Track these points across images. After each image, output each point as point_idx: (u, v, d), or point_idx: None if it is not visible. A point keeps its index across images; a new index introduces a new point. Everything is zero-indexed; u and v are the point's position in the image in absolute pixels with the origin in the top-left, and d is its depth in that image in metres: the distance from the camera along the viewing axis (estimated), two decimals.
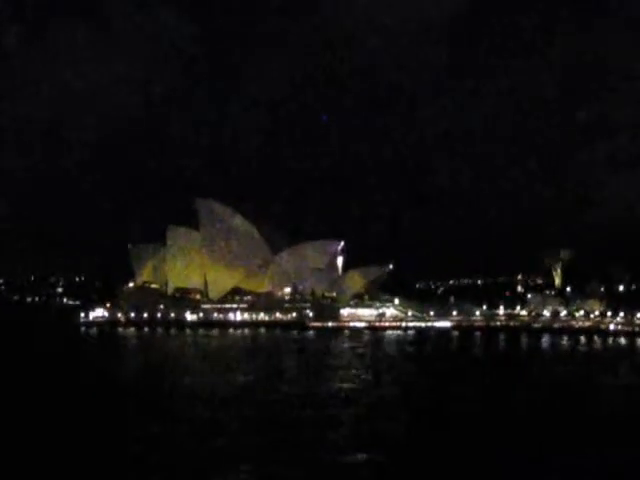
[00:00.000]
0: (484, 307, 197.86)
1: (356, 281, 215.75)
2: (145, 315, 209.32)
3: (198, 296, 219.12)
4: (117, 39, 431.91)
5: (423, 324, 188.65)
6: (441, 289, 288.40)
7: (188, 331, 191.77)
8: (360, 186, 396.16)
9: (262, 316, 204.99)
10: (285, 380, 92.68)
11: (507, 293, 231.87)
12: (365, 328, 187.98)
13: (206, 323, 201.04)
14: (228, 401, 73.30)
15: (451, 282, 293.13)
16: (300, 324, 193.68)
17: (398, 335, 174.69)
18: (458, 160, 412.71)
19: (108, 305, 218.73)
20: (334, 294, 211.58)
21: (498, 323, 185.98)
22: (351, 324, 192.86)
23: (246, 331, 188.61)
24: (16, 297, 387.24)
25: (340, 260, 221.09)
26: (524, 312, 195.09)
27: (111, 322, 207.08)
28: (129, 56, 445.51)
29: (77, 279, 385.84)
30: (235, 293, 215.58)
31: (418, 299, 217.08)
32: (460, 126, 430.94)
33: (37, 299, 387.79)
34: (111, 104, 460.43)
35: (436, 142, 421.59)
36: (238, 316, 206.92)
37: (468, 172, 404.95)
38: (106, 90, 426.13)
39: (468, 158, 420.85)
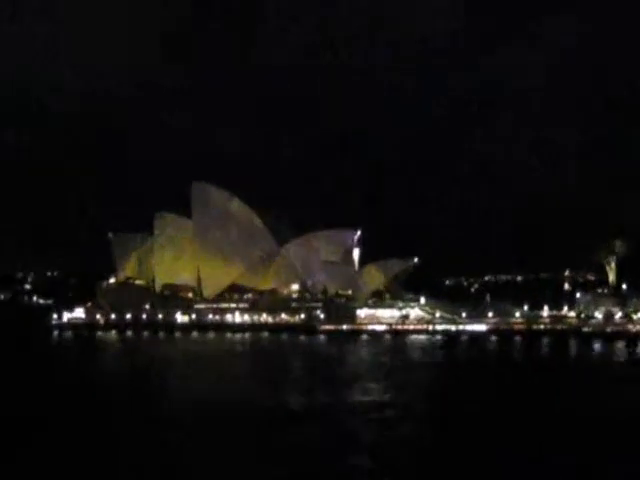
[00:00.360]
0: (525, 307, 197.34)
1: (375, 277, 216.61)
2: (128, 316, 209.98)
3: (190, 294, 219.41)
4: None
5: (453, 327, 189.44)
6: (475, 286, 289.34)
7: (179, 335, 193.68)
8: (376, 165, 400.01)
9: (265, 317, 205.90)
10: (288, 392, 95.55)
11: (552, 291, 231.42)
12: (386, 332, 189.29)
13: (200, 325, 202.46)
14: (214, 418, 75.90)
15: (486, 278, 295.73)
16: (310, 327, 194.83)
17: (424, 340, 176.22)
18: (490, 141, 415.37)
19: (86, 305, 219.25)
20: (349, 292, 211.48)
21: (542, 326, 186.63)
22: (369, 327, 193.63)
23: (246, 335, 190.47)
24: None
25: (356, 252, 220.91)
26: (572, 313, 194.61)
27: (89, 324, 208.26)
28: None
29: (49, 274, 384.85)
30: (233, 291, 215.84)
31: (448, 298, 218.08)
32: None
33: (2, 297, 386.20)
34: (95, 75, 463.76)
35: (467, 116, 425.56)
36: (237, 317, 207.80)
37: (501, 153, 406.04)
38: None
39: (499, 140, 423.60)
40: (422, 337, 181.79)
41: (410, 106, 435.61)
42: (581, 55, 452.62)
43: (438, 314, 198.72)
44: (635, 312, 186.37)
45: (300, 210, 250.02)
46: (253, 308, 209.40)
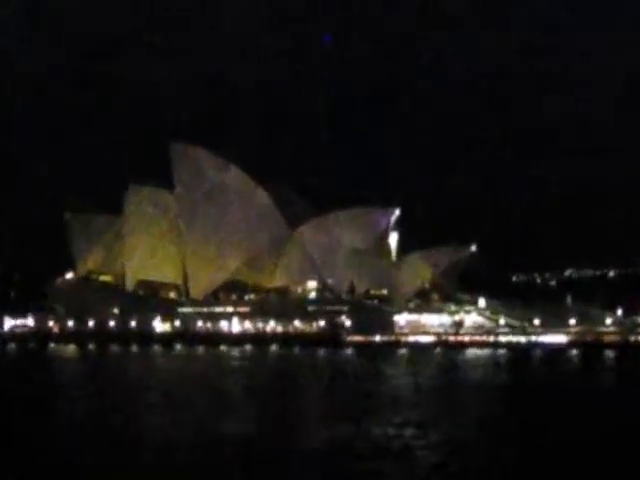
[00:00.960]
0: (619, 312, 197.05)
1: (418, 271, 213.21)
2: (91, 324, 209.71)
3: (173, 294, 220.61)
4: None
5: (523, 338, 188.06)
6: (551, 284, 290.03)
7: (157, 348, 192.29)
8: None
9: (272, 326, 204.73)
10: (303, 428, 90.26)
11: None
12: (433, 344, 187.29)
13: (185, 336, 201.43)
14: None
15: (567, 273, 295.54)
16: (332, 339, 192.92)
17: (484, 356, 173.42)
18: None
19: (35, 309, 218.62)
20: (384, 291, 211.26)
21: None
22: (411, 338, 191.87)
23: (247, 348, 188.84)
24: None
25: (394, 239, 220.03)
26: None
27: (39, 334, 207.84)
28: None
29: None
30: (230, 290, 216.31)
31: (515, 299, 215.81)
32: None
33: None
34: None
35: None
36: (235, 326, 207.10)
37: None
38: None
39: None
40: (482, 352, 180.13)
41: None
42: None
43: (503, 321, 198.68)
44: None
45: (318, 182, 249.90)
46: (257, 313, 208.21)
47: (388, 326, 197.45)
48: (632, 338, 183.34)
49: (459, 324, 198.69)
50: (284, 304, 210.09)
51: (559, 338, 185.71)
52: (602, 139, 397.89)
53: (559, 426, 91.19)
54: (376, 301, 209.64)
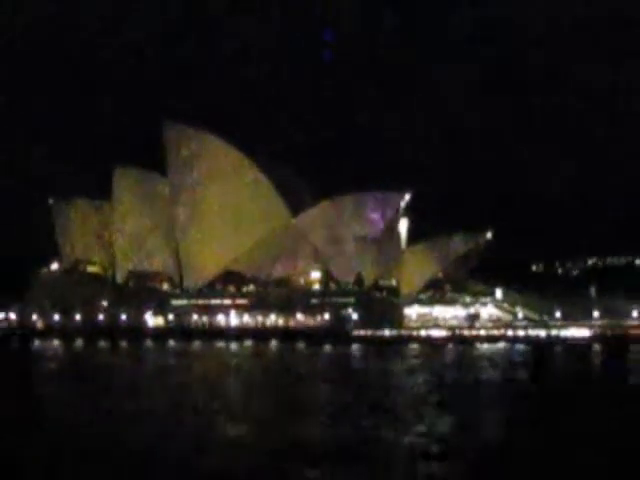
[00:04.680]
0: None
1: (430, 260, 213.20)
2: (78, 317, 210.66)
3: (166, 285, 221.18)
4: None
5: (543, 332, 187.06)
6: (574, 273, 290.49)
7: (149, 344, 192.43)
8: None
9: (273, 319, 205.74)
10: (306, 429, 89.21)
11: None
12: (447, 339, 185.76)
13: (180, 331, 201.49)
14: None
15: (590, 262, 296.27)
16: (338, 333, 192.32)
17: (501, 351, 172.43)
18: None
19: (17, 302, 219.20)
20: (394, 282, 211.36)
21: None
22: (423, 333, 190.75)
23: (246, 344, 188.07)
24: None
25: (404, 225, 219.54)
26: None
27: (21, 330, 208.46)
28: None
29: None
30: (228, 280, 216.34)
31: (535, 290, 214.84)
32: None
33: None
34: None
35: None
36: (232, 319, 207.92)
37: None
38: None
39: None
40: (498, 347, 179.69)
41: None
42: None
43: (521, 314, 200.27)
44: None
45: (322, 165, 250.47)
46: (256, 306, 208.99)
47: (398, 319, 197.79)
48: None
49: (475, 317, 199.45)
50: (286, 296, 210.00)
51: (582, 332, 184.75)
52: None
53: (584, 429, 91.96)
54: (385, 293, 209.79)
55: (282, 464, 71.41)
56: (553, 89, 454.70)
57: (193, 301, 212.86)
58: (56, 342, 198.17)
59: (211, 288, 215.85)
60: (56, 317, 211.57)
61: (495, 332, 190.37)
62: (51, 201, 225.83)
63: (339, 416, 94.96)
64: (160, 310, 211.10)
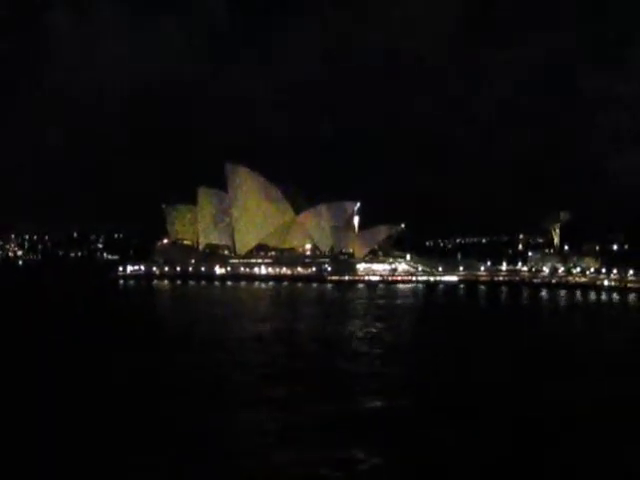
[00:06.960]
0: (488, 263, 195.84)
1: (371, 239, 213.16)
2: (178, 269, 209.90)
3: (226, 252, 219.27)
4: None
5: (432, 278, 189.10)
6: (448, 246, 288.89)
7: (217, 283, 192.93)
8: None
9: (285, 270, 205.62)
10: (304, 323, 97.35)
11: (509, 251, 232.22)
12: (379, 282, 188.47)
13: (234, 276, 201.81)
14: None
15: (458, 240, 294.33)
16: (320, 278, 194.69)
17: (410, 288, 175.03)
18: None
19: (144, 260, 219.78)
20: (351, 250, 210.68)
21: (501, 278, 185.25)
22: (366, 278, 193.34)
23: (270, 284, 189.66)
24: (61, 252, 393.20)
25: (356, 220, 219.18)
26: (525, 268, 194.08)
27: (147, 275, 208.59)
28: None
29: (116, 236, 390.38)
30: (260, 249, 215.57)
31: (428, 255, 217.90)
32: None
33: (80, 254, 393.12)
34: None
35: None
36: (263, 270, 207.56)
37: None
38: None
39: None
40: (408, 286, 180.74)
41: None
42: None
43: (420, 268, 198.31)
44: (574, 267, 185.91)
45: (312, 186, 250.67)
46: (276, 263, 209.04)
47: (353, 271, 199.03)
48: (495, 279, 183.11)
49: (394, 270, 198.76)
50: (292, 258, 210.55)
51: (453, 278, 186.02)
52: None
53: (450, 320, 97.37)
54: (346, 256, 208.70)
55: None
56: None
57: (241, 260, 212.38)
58: (165, 282, 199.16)
59: (251, 253, 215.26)
60: (166, 268, 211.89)
61: (406, 278, 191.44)
62: (164, 206, 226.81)
63: (323, 319, 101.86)
64: (223, 265, 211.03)
